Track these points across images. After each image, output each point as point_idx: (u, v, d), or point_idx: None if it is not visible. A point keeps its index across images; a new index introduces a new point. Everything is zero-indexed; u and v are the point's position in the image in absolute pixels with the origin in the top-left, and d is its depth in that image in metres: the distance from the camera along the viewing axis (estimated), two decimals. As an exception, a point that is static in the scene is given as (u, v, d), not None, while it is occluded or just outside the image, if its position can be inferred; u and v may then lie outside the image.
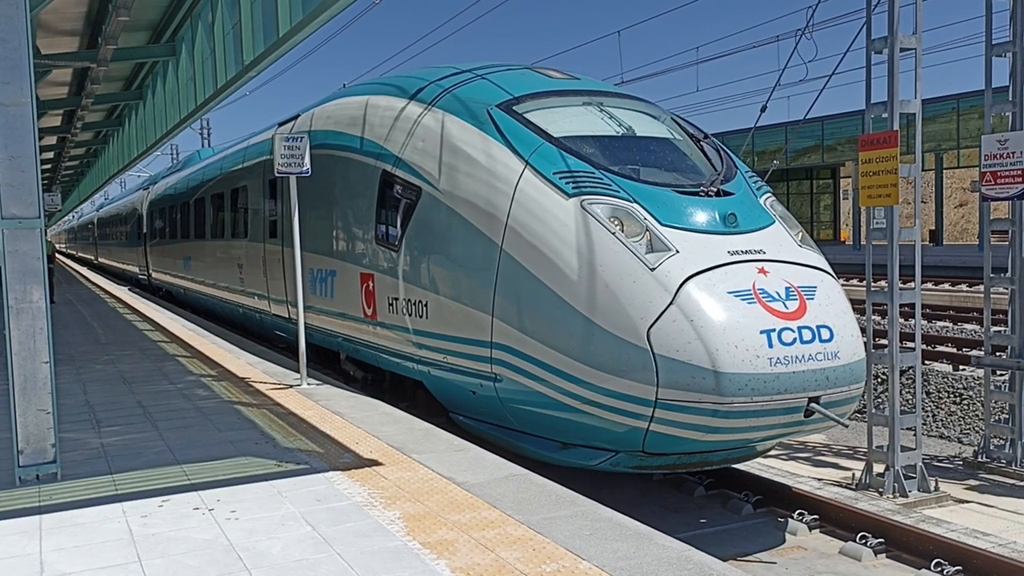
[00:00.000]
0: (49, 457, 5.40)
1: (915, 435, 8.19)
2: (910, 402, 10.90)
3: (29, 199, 5.23)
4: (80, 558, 4.15)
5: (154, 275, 23.45)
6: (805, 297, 6.17)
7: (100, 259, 41.57)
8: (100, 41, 12.97)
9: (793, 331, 5.94)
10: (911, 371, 9.32)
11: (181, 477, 5.46)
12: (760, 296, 6.02)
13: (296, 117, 11.27)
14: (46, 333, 5.27)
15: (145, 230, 24.34)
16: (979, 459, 8.87)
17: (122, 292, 23.49)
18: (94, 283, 28.49)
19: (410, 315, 7.83)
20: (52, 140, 25.43)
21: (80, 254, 58.06)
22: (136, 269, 26.97)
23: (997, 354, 9.08)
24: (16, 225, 5.19)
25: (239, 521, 4.61)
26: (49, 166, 32.40)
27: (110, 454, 6.08)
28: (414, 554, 4.08)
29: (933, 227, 37.86)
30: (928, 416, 11.11)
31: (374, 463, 5.66)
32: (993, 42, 8.78)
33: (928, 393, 11.43)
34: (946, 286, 22.61)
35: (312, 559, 4.07)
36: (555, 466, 6.85)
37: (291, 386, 8.52)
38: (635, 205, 6.49)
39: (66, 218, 75.63)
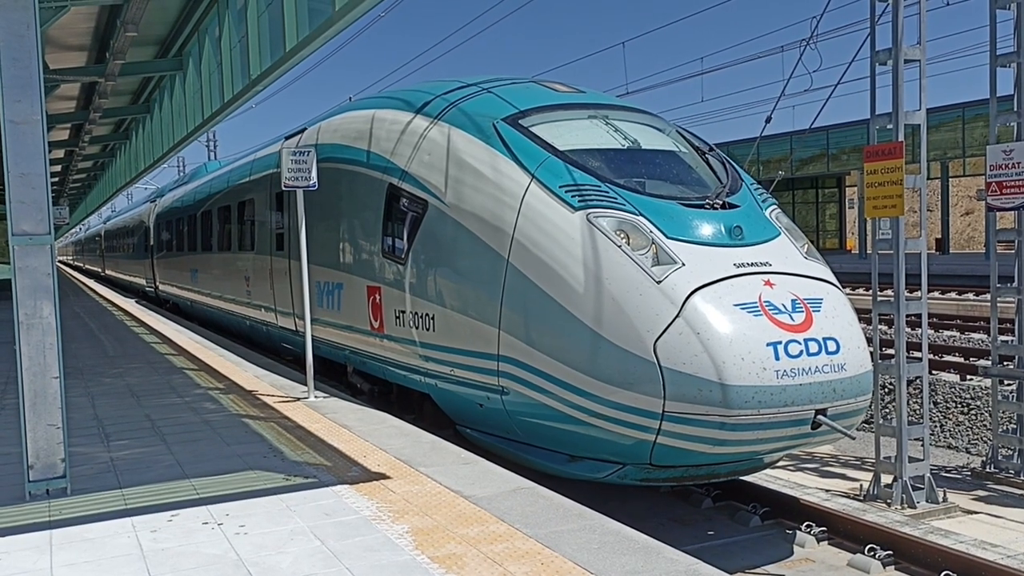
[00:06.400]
0: (59, 472, 5.43)
1: (923, 446, 8.18)
2: (917, 412, 10.87)
3: (39, 216, 5.27)
4: (90, 573, 4.18)
5: (161, 287, 23.53)
6: (811, 309, 6.19)
7: (107, 271, 41.71)
8: (108, 56, 13.07)
9: (799, 343, 5.95)
10: (918, 381, 9.30)
11: (190, 491, 5.48)
12: (766, 308, 6.04)
13: (303, 130, 11.33)
14: (56, 348, 5.31)
15: (152, 242, 24.43)
16: (987, 469, 8.85)
17: (129, 304, 23.57)
18: (101, 295, 28.59)
19: (417, 328, 7.85)
20: (60, 154, 25.58)
21: (87, 266, 58.26)
22: (143, 281, 27.05)
23: (1004, 364, 9.07)
24: (27, 242, 5.24)
25: (248, 536, 4.63)
26: (57, 179, 32.55)
27: (119, 468, 6.11)
28: (423, 568, 4.09)
29: (939, 235, 37.77)
30: (936, 426, 11.09)
31: (382, 476, 5.68)
32: (997, 53, 8.80)
33: (935, 403, 11.40)
34: (953, 295, 22.53)
35: (321, 574, 4.08)
36: (562, 479, 6.86)
37: (298, 399, 8.55)
38: (641, 218, 6.51)
39: (73, 230, 75.93)
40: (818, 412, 5.95)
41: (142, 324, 17.48)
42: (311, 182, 8.52)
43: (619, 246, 6.32)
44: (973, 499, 8.13)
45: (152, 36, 13.82)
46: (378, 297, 8.58)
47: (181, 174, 34.15)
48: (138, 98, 18.96)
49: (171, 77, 16.10)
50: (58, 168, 28.99)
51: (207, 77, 13.39)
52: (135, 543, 4.56)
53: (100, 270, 46.22)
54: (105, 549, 4.49)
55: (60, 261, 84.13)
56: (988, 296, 15.73)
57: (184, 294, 19.76)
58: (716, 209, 6.79)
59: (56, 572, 4.20)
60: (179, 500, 5.29)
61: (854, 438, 6.36)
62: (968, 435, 10.73)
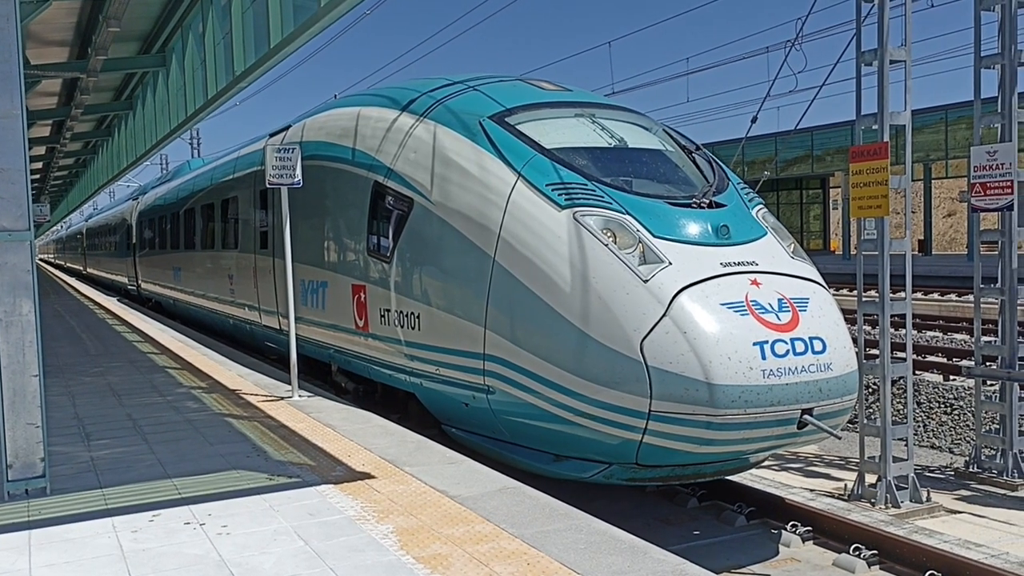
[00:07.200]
0: (38, 471, 5.36)
1: (906, 445, 8.21)
2: (901, 412, 10.92)
3: (19, 211, 5.20)
4: (70, 574, 4.11)
5: (143, 286, 23.35)
6: (798, 309, 6.18)
7: (89, 269, 41.40)
8: (90, 51, 12.94)
9: (786, 343, 5.94)
10: (902, 381, 9.36)
11: (172, 491, 5.41)
12: (753, 308, 6.03)
13: (287, 128, 11.26)
14: (36, 346, 5.24)
15: (134, 240, 24.25)
16: (970, 469, 8.89)
17: (111, 303, 23.38)
18: (83, 294, 28.34)
19: (402, 327, 7.81)
20: (41, 150, 25.35)
21: (69, 264, 57.81)
22: (125, 280, 26.86)
23: (987, 364, 9.11)
24: (6, 238, 5.16)
25: (231, 536, 4.57)
26: (38, 176, 32.28)
27: (100, 468, 6.03)
28: (408, 569, 4.05)
29: (922, 237, 38.03)
30: (919, 426, 11.14)
31: (367, 476, 5.63)
32: (982, 54, 8.84)
33: (919, 403, 11.45)
34: (935, 296, 22.70)
35: (305, 574, 4.04)
36: (548, 478, 6.83)
37: (282, 398, 8.48)
38: (628, 217, 6.49)
39: (54, 228, 75.33)
40: (804, 412, 5.94)
41: (124, 322, 17.33)
42: (296, 180, 8.45)
43: (606, 245, 6.30)
44: (956, 499, 8.16)
45: (135, 32, 13.70)
46: (363, 296, 8.53)
47: (164, 172, 33.93)
48: (120, 94, 18.81)
49: (154, 73, 15.97)
50: (39, 165, 28.74)
51: (190, 74, 13.28)
52: (116, 543, 4.50)
53: (82, 268, 45.86)
54: (85, 550, 4.43)
55: (41, 259, 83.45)
56: (970, 297, 15.87)
57: (167, 292, 19.62)
58: (703, 208, 6.78)
59: (35, 573, 4.14)
60: (161, 500, 5.23)
61: (840, 438, 6.36)
62: (951, 435, 10.78)
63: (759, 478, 8.56)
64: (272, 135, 11.88)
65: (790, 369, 5.88)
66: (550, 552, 4.20)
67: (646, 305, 5.99)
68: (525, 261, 6.55)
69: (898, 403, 11.13)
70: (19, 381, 5.21)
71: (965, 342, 15.68)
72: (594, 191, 6.70)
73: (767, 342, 5.90)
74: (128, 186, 45.33)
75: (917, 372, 12.39)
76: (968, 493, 8.35)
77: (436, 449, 6.35)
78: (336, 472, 5.75)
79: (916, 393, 11.57)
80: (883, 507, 7.75)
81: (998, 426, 8.84)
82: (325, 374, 10.28)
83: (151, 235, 21.30)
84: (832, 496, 8.08)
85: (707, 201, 6.88)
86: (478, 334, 6.82)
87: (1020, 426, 8.70)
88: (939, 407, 11.29)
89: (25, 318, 5.21)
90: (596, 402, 6.07)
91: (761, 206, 7.32)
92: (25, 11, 9.63)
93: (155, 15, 13.11)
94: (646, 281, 6.08)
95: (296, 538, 4.51)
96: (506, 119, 7.47)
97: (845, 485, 8.33)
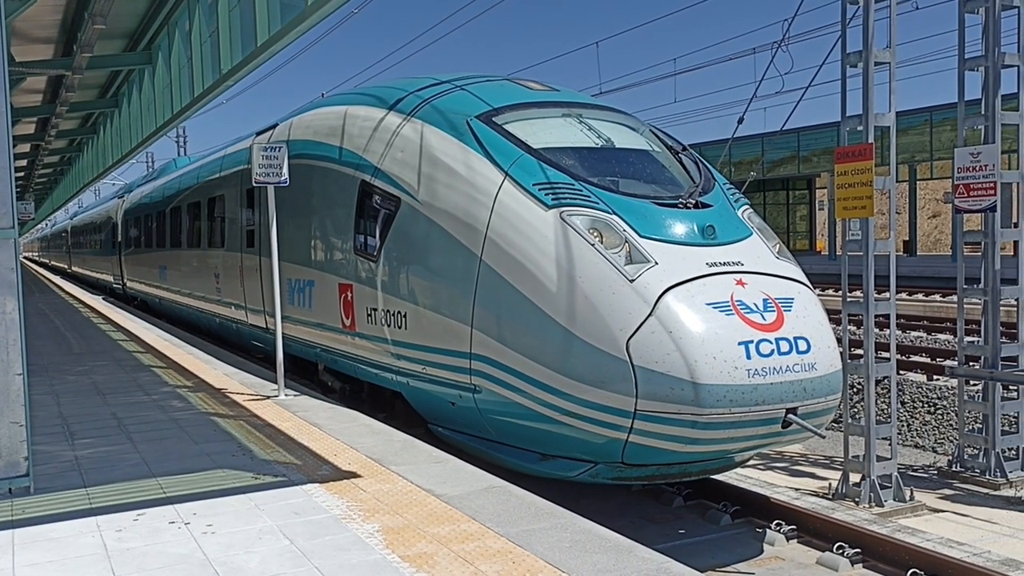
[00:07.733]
0: (22, 470, 5.32)
1: (890, 445, 8.26)
2: (885, 412, 10.97)
3: (2, 209, 5.16)
4: (54, 573, 4.10)
5: (129, 284, 23.23)
6: (783, 309, 6.22)
7: (74, 268, 41.15)
8: (75, 49, 12.87)
9: (771, 343, 5.97)
10: (886, 381, 9.42)
11: (156, 490, 5.40)
12: (738, 308, 6.06)
13: (274, 126, 11.22)
14: (20, 344, 5.20)
15: (120, 239, 24.12)
16: (953, 468, 8.95)
17: (96, 301, 23.25)
18: (67, 292, 28.17)
19: (389, 326, 7.80)
20: (25, 148, 25.18)
21: (53, 263, 57.46)
22: (110, 278, 26.71)
23: (970, 364, 9.18)
24: (-10, 235, 5.13)
25: (216, 535, 4.56)
26: (22, 174, 32.07)
27: (84, 467, 6.00)
28: (393, 568, 4.06)
29: (907, 237, 38.25)
30: (903, 426, 11.21)
31: (353, 475, 5.63)
32: (966, 56, 8.90)
33: (903, 403, 11.52)
34: (920, 296, 22.84)
35: (290, 573, 4.03)
36: (534, 477, 6.85)
37: (269, 397, 8.46)
38: (614, 217, 6.51)
39: (39, 226, 74.86)
40: (789, 411, 5.98)
41: (109, 321, 17.24)
42: (282, 178, 8.44)
43: (592, 244, 6.32)
44: (939, 498, 8.22)
45: (120, 29, 13.63)
46: (350, 295, 8.52)
47: (150, 170, 33.76)
48: (106, 92, 18.71)
49: (140, 71, 15.89)
50: (24, 162, 28.56)
51: (177, 71, 13.23)
52: (100, 543, 4.48)
53: (66, 267, 45.57)
54: (69, 549, 4.41)
55: (25, 258, 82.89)
56: (954, 297, 15.96)
57: (152, 291, 19.53)
58: (689, 208, 6.80)
59: (19, 572, 4.12)
60: (145, 499, 5.21)
61: (824, 437, 6.40)
62: (935, 434, 10.85)
63: (744, 477, 8.60)
64: (259, 133, 11.85)
65: (775, 369, 5.92)
66: (535, 551, 4.22)
67: (632, 305, 6.01)
68: (512, 260, 6.56)
69: (882, 403, 11.19)
70: (2, 379, 5.18)
71: (949, 342, 15.78)
72: (581, 191, 6.72)
73: (752, 342, 5.93)
74: (113, 184, 45.12)
75: (901, 372, 12.47)
76: (951, 492, 8.41)
77: (422, 448, 6.35)
78: (322, 471, 5.74)
79: (900, 393, 11.64)
80: (867, 506, 7.80)
81: (981, 426, 8.90)
82: (312, 373, 10.26)
83: (137, 233, 21.20)
84: (816, 495, 8.12)
85: (693, 201, 6.91)
86: (465, 333, 6.82)
87: (1003, 425, 8.77)
88: (923, 407, 11.36)
89: (9, 316, 5.18)
90: (582, 401, 6.09)
91: (747, 206, 7.35)
92: (10, 8, 9.56)
93: (141, 12, 13.04)
94: (632, 281, 6.10)
95: (281, 537, 4.51)
96: (493, 119, 7.48)
97: (829, 484, 8.38)
